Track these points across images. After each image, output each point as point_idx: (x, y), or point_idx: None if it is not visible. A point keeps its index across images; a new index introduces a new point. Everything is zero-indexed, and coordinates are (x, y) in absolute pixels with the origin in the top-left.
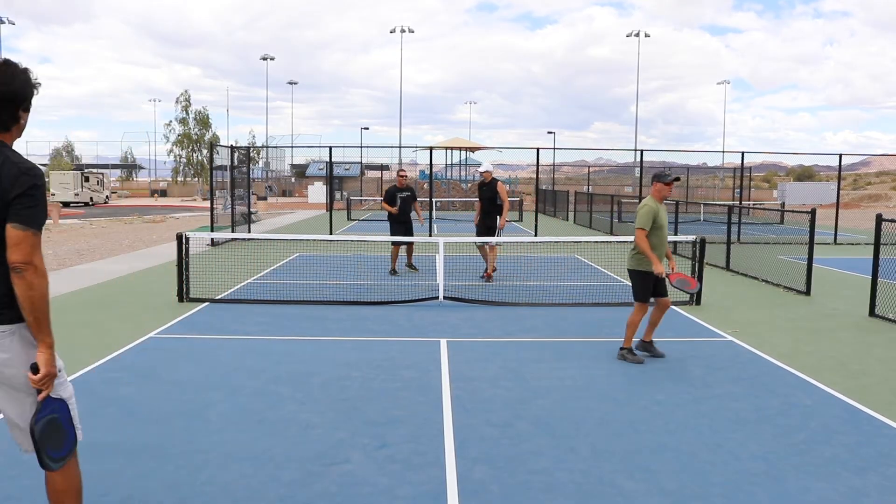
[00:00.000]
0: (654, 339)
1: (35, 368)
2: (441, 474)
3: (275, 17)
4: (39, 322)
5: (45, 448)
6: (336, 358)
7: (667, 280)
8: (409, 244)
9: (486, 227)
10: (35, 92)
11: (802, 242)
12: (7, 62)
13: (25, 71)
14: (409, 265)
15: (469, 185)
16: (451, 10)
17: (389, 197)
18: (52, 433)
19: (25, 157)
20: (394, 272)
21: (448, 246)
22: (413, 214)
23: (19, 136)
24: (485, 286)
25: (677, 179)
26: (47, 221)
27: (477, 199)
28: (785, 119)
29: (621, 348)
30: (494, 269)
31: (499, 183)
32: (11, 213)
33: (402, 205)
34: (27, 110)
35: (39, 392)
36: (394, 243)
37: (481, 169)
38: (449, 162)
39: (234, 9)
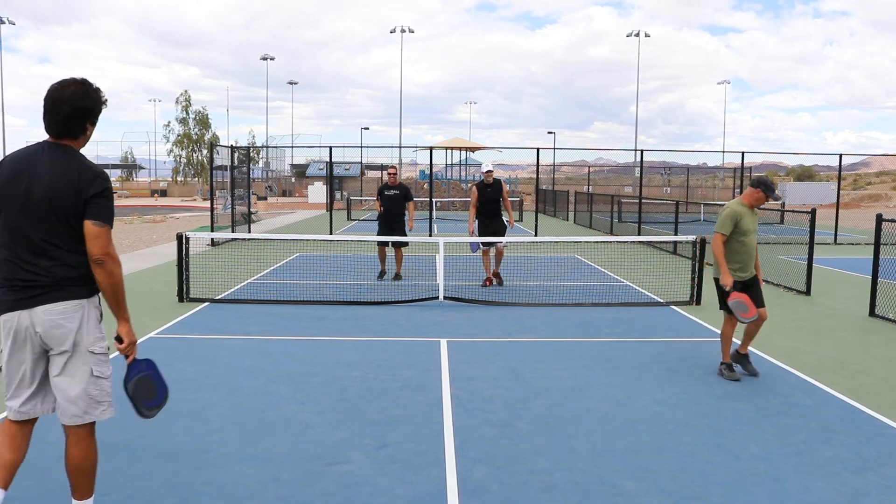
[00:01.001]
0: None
1: (119, 339)
2: (441, 474)
3: (274, 16)
4: (119, 302)
5: (141, 401)
6: (336, 358)
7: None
8: (398, 250)
9: (493, 231)
10: (103, 108)
11: (802, 242)
12: (84, 81)
13: (98, 90)
14: (397, 272)
15: (469, 184)
16: (450, 10)
17: (378, 194)
18: (144, 388)
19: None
20: (384, 273)
21: (448, 246)
22: (407, 216)
23: (84, 145)
24: (486, 287)
25: (773, 197)
26: None
27: (471, 202)
28: (785, 119)
29: (721, 363)
30: (499, 277)
31: (503, 183)
32: (89, 212)
33: (389, 203)
34: (94, 124)
35: (127, 358)
36: (378, 243)
37: (485, 169)
38: (449, 162)
39: (233, 8)
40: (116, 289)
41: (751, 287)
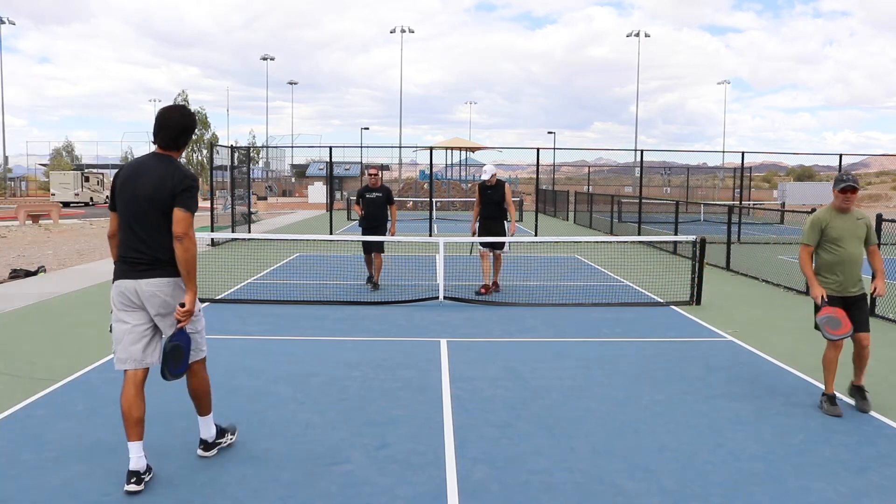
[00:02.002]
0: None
1: (182, 305)
2: (441, 474)
3: (274, 16)
4: (189, 274)
5: (168, 364)
6: (336, 358)
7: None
8: (377, 255)
9: (490, 234)
10: (194, 127)
11: None
12: (184, 107)
13: (192, 114)
14: (375, 282)
15: (469, 185)
16: (449, 10)
17: (358, 197)
18: (176, 356)
19: (28, 156)
20: (371, 278)
21: (448, 246)
22: (389, 220)
23: (181, 154)
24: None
25: (851, 189)
26: (47, 221)
27: (475, 201)
28: (785, 119)
29: (822, 394)
30: (497, 286)
31: (506, 185)
32: (177, 202)
33: (371, 208)
34: (189, 138)
35: (178, 323)
36: (364, 251)
37: (487, 174)
38: (449, 162)
39: (233, 8)
40: (189, 263)
41: (851, 306)
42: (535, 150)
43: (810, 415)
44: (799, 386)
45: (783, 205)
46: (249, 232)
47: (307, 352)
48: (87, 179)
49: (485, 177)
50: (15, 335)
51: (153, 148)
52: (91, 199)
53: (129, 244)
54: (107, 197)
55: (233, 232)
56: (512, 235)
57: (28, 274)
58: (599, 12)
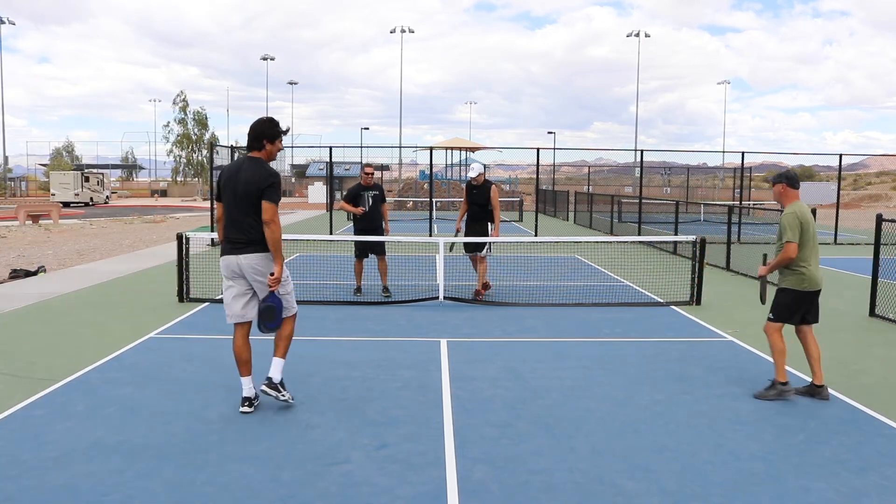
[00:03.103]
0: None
1: (272, 274)
2: (441, 474)
3: (274, 16)
4: (277, 251)
5: (263, 321)
6: (336, 358)
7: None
8: (382, 259)
9: (473, 235)
10: (280, 133)
11: None
12: (264, 118)
13: (272, 122)
14: (384, 288)
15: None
16: (449, 10)
17: (351, 196)
18: (268, 314)
19: (28, 156)
20: (359, 290)
21: (448, 246)
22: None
23: (268, 156)
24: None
25: (784, 179)
26: (47, 221)
27: (462, 201)
28: (785, 119)
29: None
30: (488, 286)
31: (493, 187)
32: (264, 196)
33: (371, 207)
34: (272, 142)
35: (270, 289)
36: (357, 256)
37: (472, 174)
38: (449, 162)
39: (232, 8)
40: (276, 242)
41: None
42: (535, 150)
43: (810, 415)
44: (799, 386)
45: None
46: None
47: (307, 352)
48: (87, 179)
49: (471, 174)
50: (15, 335)
51: (153, 148)
52: (91, 199)
53: (232, 228)
54: (107, 196)
55: None
56: (495, 235)
57: (28, 274)
58: (599, 12)
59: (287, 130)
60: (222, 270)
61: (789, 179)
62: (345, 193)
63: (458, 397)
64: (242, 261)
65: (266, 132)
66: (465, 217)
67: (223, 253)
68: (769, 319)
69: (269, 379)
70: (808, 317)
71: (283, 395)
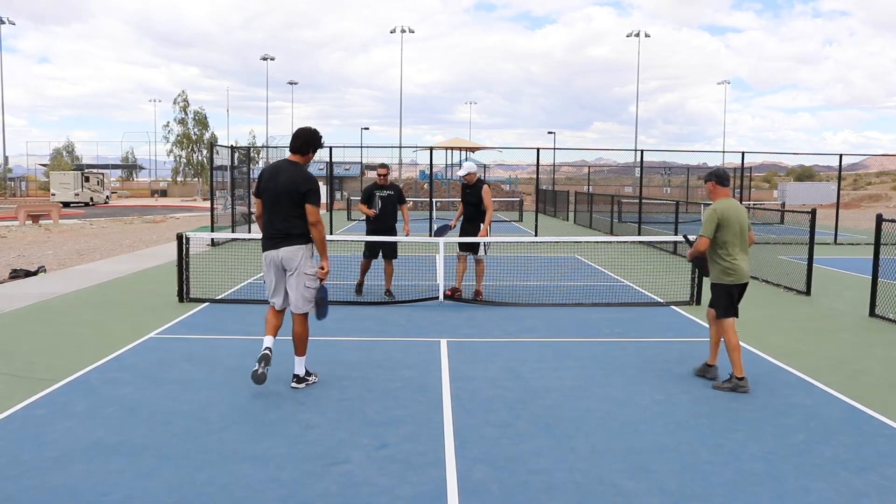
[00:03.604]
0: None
1: (322, 268)
2: (441, 474)
3: (273, 16)
4: (323, 247)
5: (319, 306)
6: (336, 358)
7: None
8: (388, 262)
9: (467, 236)
10: (320, 144)
11: (803, 242)
12: (311, 127)
13: (315, 131)
14: (387, 289)
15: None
16: (449, 10)
17: (365, 197)
18: (322, 302)
19: (28, 156)
20: (360, 287)
21: (448, 246)
22: (400, 223)
23: (306, 161)
24: (485, 286)
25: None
26: (47, 222)
27: (459, 201)
28: (785, 119)
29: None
30: (478, 294)
31: (484, 187)
32: (307, 200)
33: (382, 207)
34: (314, 151)
35: (321, 281)
36: (365, 255)
37: (462, 172)
38: (449, 162)
39: (232, 8)
40: (322, 241)
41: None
42: (535, 150)
43: (810, 415)
44: (799, 386)
45: (783, 205)
46: (249, 232)
47: (307, 352)
48: (87, 179)
49: (461, 173)
50: (15, 335)
51: (153, 148)
52: (91, 199)
53: (272, 224)
54: (107, 196)
55: (233, 232)
56: (483, 234)
57: (28, 274)
58: (599, 12)
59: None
60: (263, 264)
61: (719, 178)
62: (362, 194)
63: (458, 397)
64: (282, 253)
65: (314, 142)
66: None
67: (264, 249)
68: (718, 317)
69: (295, 376)
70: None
71: (311, 381)
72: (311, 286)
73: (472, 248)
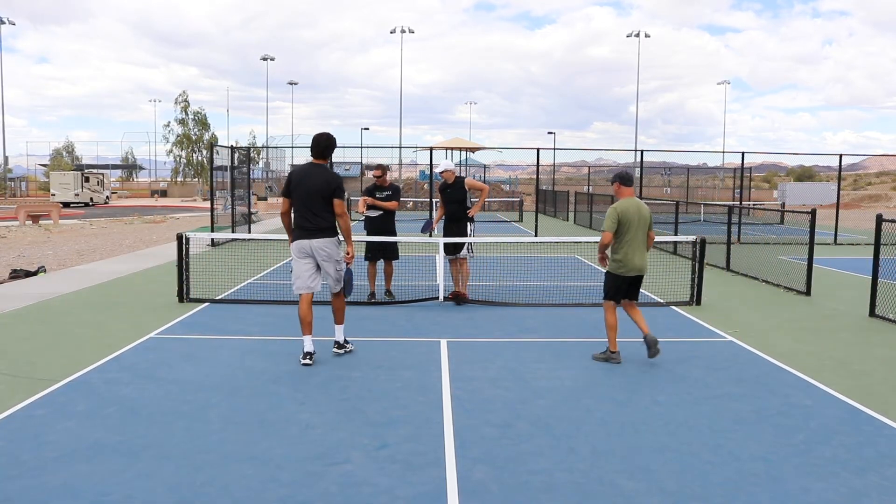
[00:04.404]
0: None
1: (348, 253)
2: (441, 474)
3: (272, 16)
4: (348, 236)
5: (346, 284)
6: (336, 358)
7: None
8: (388, 263)
9: (453, 237)
10: (335, 145)
11: (802, 243)
12: (326, 132)
13: (331, 136)
14: (387, 291)
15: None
16: (448, 10)
17: (367, 196)
18: (348, 281)
19: (28, 156)
20: (373, 296)
21: (448, 246)
22: (400, 223)
23: (326, 162)
24: (485, 286)
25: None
26: (47, 222)
27: (438, 202)
28: (784, 119)
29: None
30: (463, 297)
31: (466, 179)
32: (335, 195)
33: (380, 208)
34: (331, 153)
35: (347, 264)
36: (366, 259)
37: (439, 169)
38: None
39: (231, 8)
40: (347, 230)
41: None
42: (535, 151)
43: (810, 415)
44: (799, 386)
45: (783, 205)
46: (249, 232)
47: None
48: (87, 180)
49: (438, 170)
50: (15, 335)
51: (153, 148)
52: (91, 199)
53: (304, 218)
54: (107, 197)
55: (233, 232)
56: (473, 214)
57: (28, 274)
58: (598, 12)
59: None
60: (294, 252)
61: (622, 179)
62: (363, 194)
63: (458, 397)
64: (314, 244)
65: (332, 148)
66: (442, 218)
67: (295, 238)
68: (604, 299)
69: (336, 342)
70: (630, 295)
71: (349, 348)
72: (341, 269)
73: (457, 248)
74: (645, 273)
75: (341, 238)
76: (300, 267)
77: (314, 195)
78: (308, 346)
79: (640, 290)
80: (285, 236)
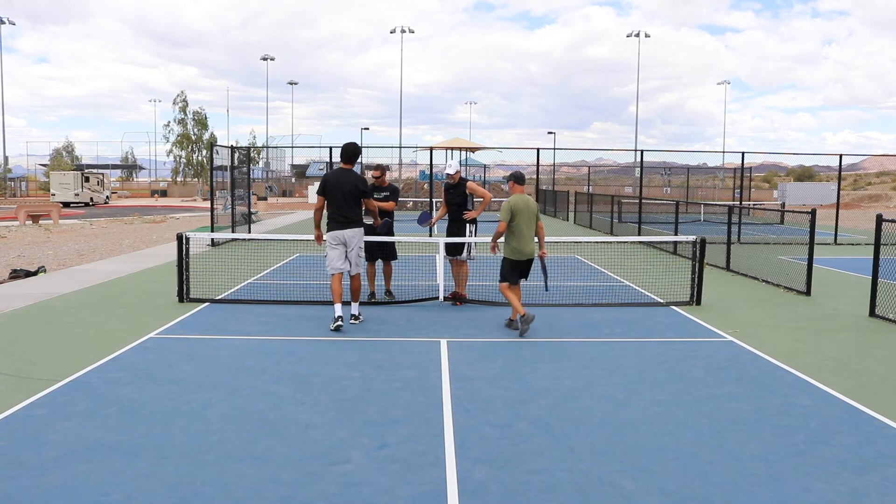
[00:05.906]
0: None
1: (374, 223)
2: (441, 474)
3: (271, 16)
4: (374, 210)
5: (383, 228)
6: (336, 358)
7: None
8: (387, 263)
9: (453, 237)
10: (360, 152)
11: (802, 243)
12: (353, 142)
13: (357, 145)
14: (387, 291)
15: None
16: (448, 10)
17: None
18: (391, 225)
19: (28, 156)
20: (373, 296)
21: (449, 246)
22: (400, 221)
23: (353, 166)
24: (485, 286)
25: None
26: (47, 222)
27: (442, 201)
28: (784, 119)
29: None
30: (462, 298)
31: (468, 182)
32: (365, 196)
33: (380, 211)
34: (357, 159)
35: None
36: (368, 260)
37: (450, 171)
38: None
39: (230, 8)
40: (374, 207)
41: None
42: (535, 151)
43: (810, 415)
44: (799, 386)
45: (783, 205)
46: (249, 232)
47: (307, 352)
48: (87, 180)
49: (449, 171)
50: (15, 335)
51: (152, 148)
52: (91, 199)
53: (339, 213)
54: (107, 197)
55: (233, 232)
56: (475, 215)
57: (28, 274)
58: (598, 12)
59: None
60: (329, 240)
61: (516, 178)
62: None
63: (458, 397)
64: (347, 233)
65: (359, 154)
66: (443, 218)
67: (331, 228)
68: (500, 281)
69: (353, 315)
70: (522, 277)
71: (361, 319)
72: (362, 256)
73: (457, 249)
74: (533, 258)
75: (367, 221)
76: (334, 252)
77: (347, 195)
78: (338, 311)
79: (640, 289)
80: (285, 236)
